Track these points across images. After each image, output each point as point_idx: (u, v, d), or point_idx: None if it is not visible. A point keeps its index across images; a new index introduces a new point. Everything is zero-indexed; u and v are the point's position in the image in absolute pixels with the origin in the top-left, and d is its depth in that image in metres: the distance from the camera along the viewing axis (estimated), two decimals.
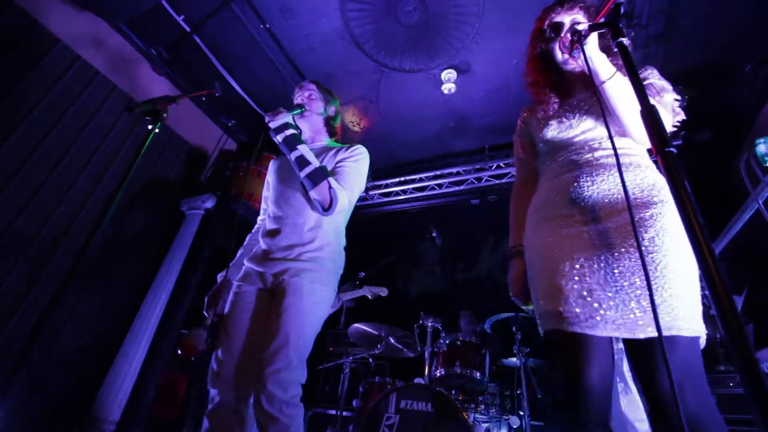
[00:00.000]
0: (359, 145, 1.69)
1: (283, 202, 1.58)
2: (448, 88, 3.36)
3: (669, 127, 1.06)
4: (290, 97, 1.80)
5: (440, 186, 4.49)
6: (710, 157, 3.57)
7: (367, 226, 4.65)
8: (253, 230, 1.81)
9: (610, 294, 0.96)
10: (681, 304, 0.92)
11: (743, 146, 3.43)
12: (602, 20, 0.94)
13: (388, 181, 4.65)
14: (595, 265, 1.00)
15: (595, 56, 1.02)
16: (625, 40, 0.78)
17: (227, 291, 1.55)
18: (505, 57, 3.20)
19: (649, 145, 1.05)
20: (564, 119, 1.19)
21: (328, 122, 1.80)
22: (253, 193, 3.96)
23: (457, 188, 4.42)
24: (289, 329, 1.33)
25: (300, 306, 1.38)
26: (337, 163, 1.59)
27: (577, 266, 1.01)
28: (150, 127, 1.58)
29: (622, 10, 0.85)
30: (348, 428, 2.79)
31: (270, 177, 1.77)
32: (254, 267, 1.51)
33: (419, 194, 4.59)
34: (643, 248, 0.95)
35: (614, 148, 0.91)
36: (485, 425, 2.49)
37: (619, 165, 0.88)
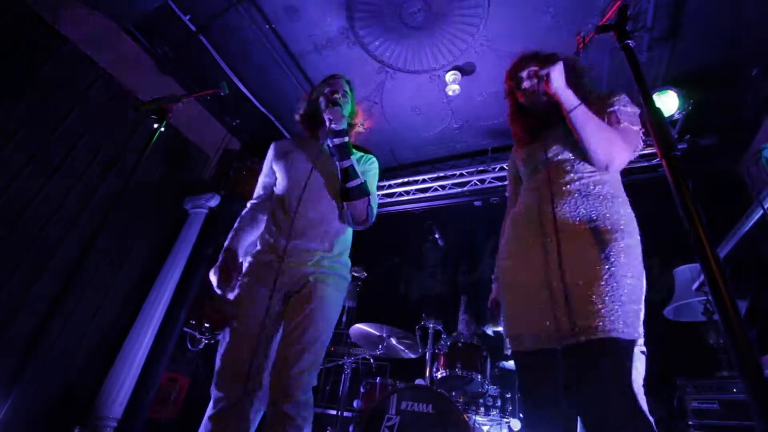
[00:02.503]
0: (373, 158, 1.71)
1: (309, 203, 1.51)
2: (452, 89, 3.36)
3: (621, 157, 1.18)
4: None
5: (443, 187, 4.48)
6: (715, 161, 3.55)
7: (369, 228, 4.64)
8: (246, 214, 1.67)
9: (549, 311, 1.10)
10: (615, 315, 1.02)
11: (748, 151, 3.41)
12: (608, 22, 0.94)
13: (391, 182, 4.65)
14: (545, 289, 1.12)
15: (558, 86, 1.17)
16: (631, 42, 0.77)
17: (235, 270, 1.48)
18: (509, 58, 3.19)
19: (613, 170, 1.20)
20: (536, 150, 1.33)
21: (349, 124, 1.74)
22: None
23: (459, 190, 4.42)
24: (313, 333, 1.37)
25: (324, 311, 1.42)
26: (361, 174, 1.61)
27: (532, 291, 1.16)
28: (155, 126, 1.59)
29: (628, 12, 0.85)
30: (348, 428, 2.79)
31: (278, 164, 1.66)
32: (267, 266, 1.46)
33: (422, 195, 4.58)
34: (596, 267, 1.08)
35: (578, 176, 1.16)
36: (486, 428, 2.48)
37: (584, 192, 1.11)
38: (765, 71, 2.95)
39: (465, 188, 4.39)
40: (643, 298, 1.08)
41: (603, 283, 1.04)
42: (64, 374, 2.88)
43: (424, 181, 4.54)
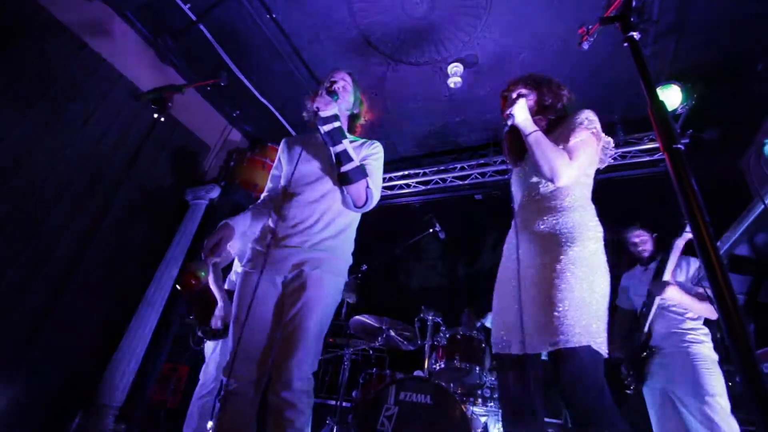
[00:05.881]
0: (377, 143, 1.71)
1: (306, 188, 1.55)
2: (454, 81, 3.33)
3: (567, 172, 1.31)
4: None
5: (444, 180, 4.48)
6: (717, 156, 3.54)
7: (369, 219, 4.64)
8: (256, 204, 1.71)
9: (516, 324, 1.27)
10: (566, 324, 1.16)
11: (751, 146, 3.39)
12: (613, 13, 0.93)
13: (392, 175, 4.64)
14: (515, 302, 1.30)
15: (519, 118, 1.39)
16: (636, 34, 0.77)
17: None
18: (512, 51, 3.17)
19: (562, 183, 1.34)
20: (518, 172, 1.54)
21: (352, 119, 1.79)
22: (257, 184, 3.96)
23: (460, 183, 4.41)
24: (310, 321, 1.37)
25: (320, 297, 1.42)
26: (363, 159, 1.60)
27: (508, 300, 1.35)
28: (155, 115, 1.58)
29: (633, 4, 0.84)
30: (347, 418, 2.82)
31: (285, 156, 1.71)
32: (265, 253, 1.48)
33: (423, 188, 4.58)
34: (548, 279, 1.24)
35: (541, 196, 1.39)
36: (483, 418, 2.51)
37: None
38: None
39: (466, 181, 4.38)
40: (597, 303, 1.20)
41: (553, 300, 1.19)
42: (67, 362, 2.91)
43: (425, 173, 4.53)
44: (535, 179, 1.43)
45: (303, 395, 1.32)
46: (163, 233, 3.59)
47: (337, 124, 1.48)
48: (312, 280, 1.42)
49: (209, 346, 2.55)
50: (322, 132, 1.48)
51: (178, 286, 1.59)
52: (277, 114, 4.06)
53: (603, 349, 1.17)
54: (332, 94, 1.56)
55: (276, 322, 1.45)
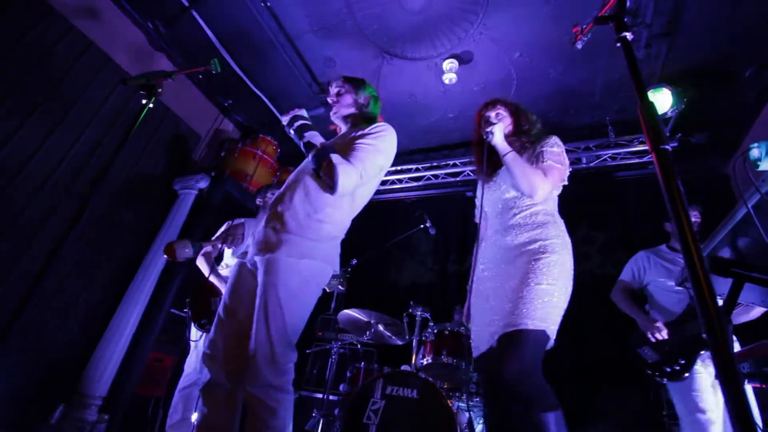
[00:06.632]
0: (382, 124, 1.66)
1: (290, 189, 1.53)
2: (449, 78, 3.32)
3: (543, 188, 1.49)
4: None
5: (436, 177, 4.48)
6: (705, 160, 3.60)
7: (360, 213, 4.63)
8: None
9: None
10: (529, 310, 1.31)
11: (738, 150, 3.45)
12: (607, 13, 0.93)
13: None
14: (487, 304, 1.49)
15: (497, 140, 1.60)
16: (629, 35, 0.77)
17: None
18: (507, 49, 3.18)
19: (538, 199, 1.50)
20: (493, 189, 1.69)
21: (362, 110, 1.77)
22: (248, 175, 3.92)
23: (453, 179, 4.42)
24: (276, 311, 1.29)
25: (285, 283, 1.32)
26: (355, 141, 1.55)
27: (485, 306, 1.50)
28: (144, 101, 1.55)
29: (627, 5, 0.84)
30: (334, 411, 2.83)
31: None
32: (251, 245, 1.51)
33: (415, 184, 4.58)
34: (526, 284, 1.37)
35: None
36: (468, 413, 2.54)
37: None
38: (759, 72, 2.98)
39: (458, 178, 4.39)
40: (557, 296, 1.35)
41: (521, 292, 1.34)
42: (49, 351, 2.86)
43: (417, 169, 4.53)
44: (511, 194, 1.60)
45: (273, 391, 1.25)
46: (151, 223, 3.54)
47: (299, 122, 1.57)
48: (265, 264, 1.35)
49: (194, 336, 2.54)
50: (291, 135, 1.59)
51: (165, 255, 1.61)
52: (269, 104, 4.01)
53: (553, 335, 1.34)
54: (324, 105, 1.67)
55: (246, 313, 1.41)
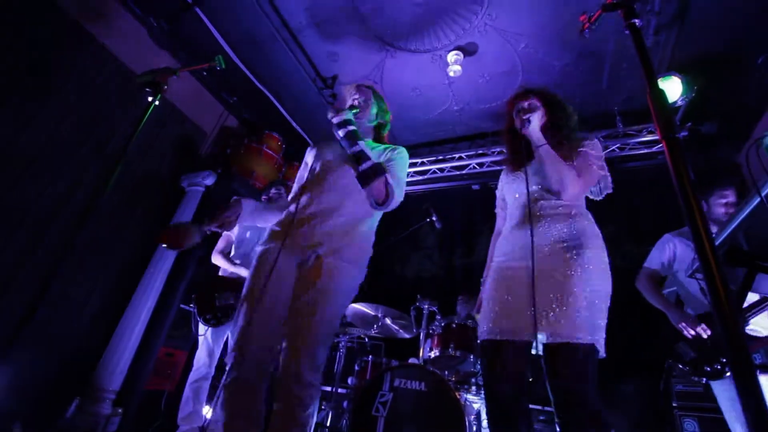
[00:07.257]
0: (402, 148, 1.76)
1: (327, 190, 1.59)
2: (454, 70, 3.29)
3: (574, 187, 1.44)
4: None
5: (441, 170, 4.47)
6: (715, 149, 3.54)
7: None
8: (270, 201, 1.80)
9: (529, 314, 1.34)
10: (579, 319, 1.27)
11: (749, 139, 3.39)
12: (615, 1, 0.92)
13: None
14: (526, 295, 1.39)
15: (533, 131, 1.53)
16: (637, 21, 0.75)
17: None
18: (513, 40, 3.13)
19: (568, 198, 1.46)
20: (519, 180, 1.60)
21: (377, 130, 1.86)
22: (253, 171, 3.94)
23: (458, 173, 4.40)
24: (322, 311, 1.35)
25: (334, 287, 1.41)
26: (386, 161, 1.65)
27: (508, 298, 1.44)
28: (150, 99, 1.56)
29: None
30: (342, 404, 2.86)
31: (310, 160, 1.79)
32: (285, 232, 1.50)
33: (420, 177, 4.57)
34: (563, 278, 1.34)
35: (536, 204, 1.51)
36: (476, 405, 2.55)
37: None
38: None
39: (464, 171, 4.37)
40: (607, 301, 1.34)
41: (569, 298, 1.29)
42: (64, 346, 2.91)
43: (422, 163, 4.52)
44: (539, 186, 1.53)
45: (312, 389, 1.30)
46: (158, 220, 3.57)
47: (351, 127, 1.53)
48: (326, 267, 1.42)
49: (201, 331, 2.58)
50: (339, 137, 1.55)
51: (164, 245, 1.56)
52: (274, 100, 4.00)
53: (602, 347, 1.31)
54: (352, 108, 1.64)
55: (289, 305, 1.43)
